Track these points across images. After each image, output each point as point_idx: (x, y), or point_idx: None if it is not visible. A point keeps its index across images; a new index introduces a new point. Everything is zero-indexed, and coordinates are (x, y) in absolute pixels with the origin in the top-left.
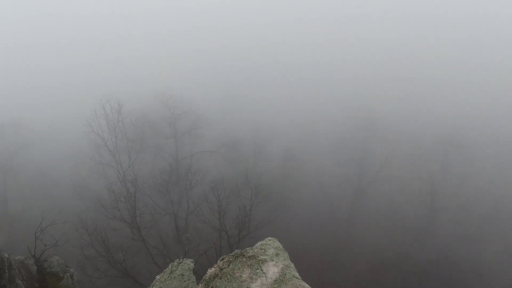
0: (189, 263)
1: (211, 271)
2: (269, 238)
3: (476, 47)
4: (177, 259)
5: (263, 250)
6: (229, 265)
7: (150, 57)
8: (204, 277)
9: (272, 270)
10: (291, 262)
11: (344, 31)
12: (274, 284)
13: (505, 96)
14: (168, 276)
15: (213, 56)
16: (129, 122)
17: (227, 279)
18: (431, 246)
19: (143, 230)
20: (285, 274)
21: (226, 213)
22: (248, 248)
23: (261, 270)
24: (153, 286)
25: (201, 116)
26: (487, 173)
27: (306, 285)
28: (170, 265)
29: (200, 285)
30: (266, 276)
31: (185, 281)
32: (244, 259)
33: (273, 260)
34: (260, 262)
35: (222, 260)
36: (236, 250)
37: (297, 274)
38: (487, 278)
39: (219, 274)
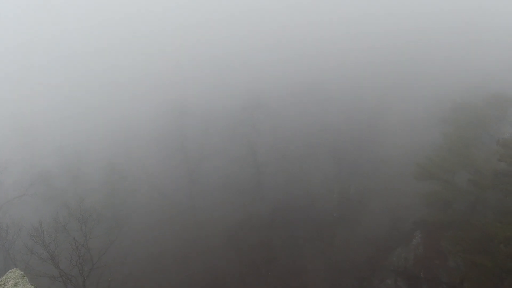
0: None
1: None
2: (10, 270)
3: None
4: None
5: (2, 285)
6: None
7: None
8: None
9: None
10: (31, 285)
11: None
12: None
13: (289, 55)
14: None
15: None
16: None
17: None
18: (268, 198)
19: None
20: None
21: (59, 255)
22: None
23: None
24: None
25: None
26: (287, 122)
27: None
28: None
29: None
30: None
31: None
32: None
33: None
34: None
35: None
36: None
37: None
38: (317, 216)
39: None
